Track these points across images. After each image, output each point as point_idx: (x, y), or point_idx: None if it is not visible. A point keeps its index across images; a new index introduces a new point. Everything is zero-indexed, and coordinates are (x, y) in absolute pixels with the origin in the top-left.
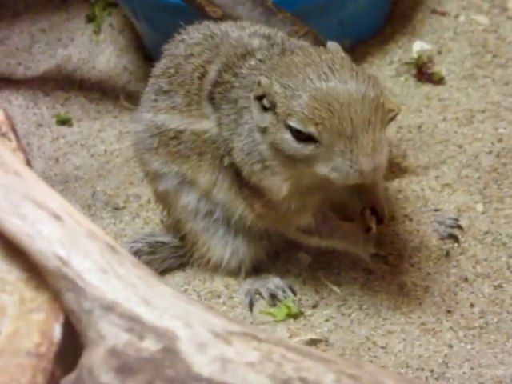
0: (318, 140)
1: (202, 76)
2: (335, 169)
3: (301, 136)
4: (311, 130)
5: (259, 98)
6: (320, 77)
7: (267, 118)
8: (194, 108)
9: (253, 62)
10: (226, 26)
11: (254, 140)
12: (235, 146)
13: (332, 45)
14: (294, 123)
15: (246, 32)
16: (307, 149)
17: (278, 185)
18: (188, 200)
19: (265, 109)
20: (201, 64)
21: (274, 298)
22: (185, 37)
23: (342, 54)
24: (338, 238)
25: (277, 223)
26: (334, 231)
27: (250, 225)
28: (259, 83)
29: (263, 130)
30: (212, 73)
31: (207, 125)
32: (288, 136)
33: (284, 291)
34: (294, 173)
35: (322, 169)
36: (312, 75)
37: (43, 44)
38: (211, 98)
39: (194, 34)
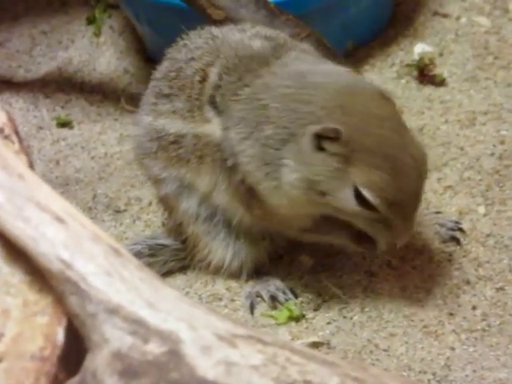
0: (379, 211)
1: (203, 80)
2: (375, 230)
3: (365, 202)
4: (382, 207)
5: (318, 136)
6: (397, 149)
7: (320, 160)
8: (196, 113)
9: (281, 70)
10: (227, 29)
11: (279, 158)
12: (247, 151)
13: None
14: (368, 195)
15: (247, 34)
16: (363, 211)
17: (286, 205)
18: (189, 204)
19: (320, 148)
20: (201, 67)
21: (274, 300)
22: (187, 42)
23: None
24: (332, 237)
25: (277, 226)
26: (329, 231)
27: (250, 227)
28: (336, 131)
29: (305, 164)
30: (213, 76)
31: (209, 129)
32: (349, 194)
33: (285, 293)
34: (313, 202)
35: (361, 225)
36: (389, 143)
37: (44, 46)
38: (213, 102)
39: (195, 39)
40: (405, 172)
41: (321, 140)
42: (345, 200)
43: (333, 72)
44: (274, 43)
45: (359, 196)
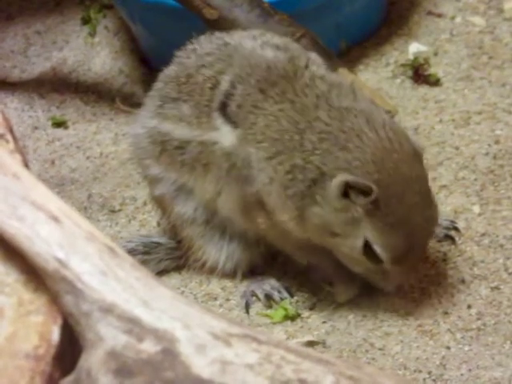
0: (383, 263)
1: (214, 87)
2: (372, 278)
3: (371, 254)
4: (387, 264)
5: (347, 184)
6: (417, 213)
7: (343, 205)
8: (204, 120)
9: (317, 103)
10: (238, 36)
11: (306, 193)
12: (269, 171)
13: (418, 144)
14: (377, 250)
15: (258, 42)
16: (366, 262)
17: (295, 231)
18: (185, 209)
19: (345, 195)
20: (212, 75)
21: (269, 298)
22: (196, 47)
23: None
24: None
25: (274, 240)
26: (323, 263)
27: (246, 231)
28: (369, 188)
29: (328, 205)
30: (224, 83)
31: (216, 136)
32: (358, 244)
33: (280, 292)
34: (322, 238)
35: (360, 271)
36: (411, 207)
37: (38, 47)
38: (223, 109)
39: (205, 45)
40: (415, 233)
41: (349, 188)
42: (352, 248)
43: (374, 118)
44: (289, 54)
45: (367, 248)
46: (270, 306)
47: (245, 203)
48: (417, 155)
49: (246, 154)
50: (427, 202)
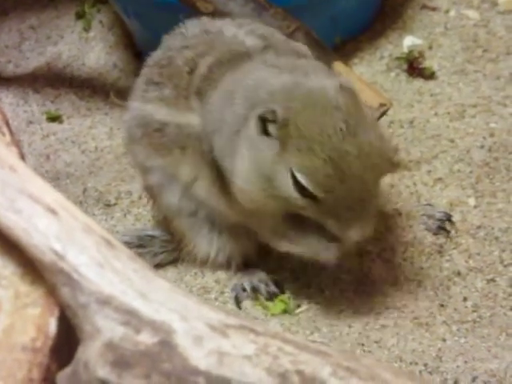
0: (319, 201)
1: (192, 71)
2: (326, 223)
3: (303, 190)
4: (318, 193)
5: (263, 119)
6: (338, 137)
7: (265, 144)
8: (182, 101)
9: (252, 67)
10: (223, 23)
11: (236, 147)
12: (217, 143)
13: (346, 82)
14: (302, 180)
15: (243, 30)
16: (304, 201)
17: (245, 199)
18: (171, 200)
19: (265, 132)
20: (192, 58)
21: (255, 291)
22: (183, 30)
23: (357, 97)
24: (303, 244)
25: (250, 223)
26: (298, 237)
27: (234, 222)
28: (273, 112)
29: (254, 149)
30: (202, 68)
31: (192, 119)
32: (288, 181)
33: (267, 285)
34: (269, 199)
35: (312, 216)
36: (330, 131)
37: (33, 41)
38: (199, 93)
39: (191, 29)
40: (344, 160)
41: (266, 124)
42: (285, 186)
43: (302, 65)
44: (266, 42)
45: (297, 183)
46: (256, 299)
47: (218, 188)
48: (344, 88)
49: (205, 134)
50: (352, 128)
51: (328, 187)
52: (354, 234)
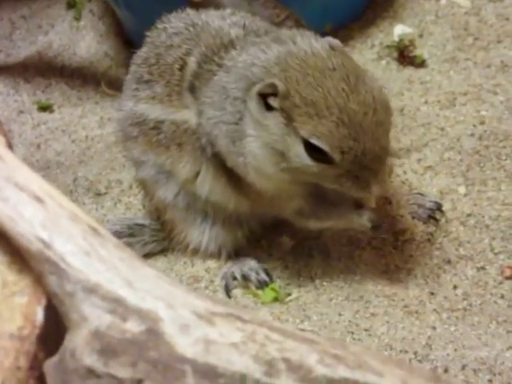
0: (336, 163)
1: (182, 68)
2: (345, 187)
3: (317, 155)
4: (337, 156)
5: (263, 95)
6: (343, 97)
7: (271, 119)
8: (175, 98)
9: (236, 52)
10: (207, 16)
11: (243, 131)
12: (219, 133)
13: (334, 42)
14: (320, 145)
15: (227, 22)
16: (320, 167)
17: (263, 182)
18: (166, 194)
19: (268, 107)
20: (180, 56)
21: (246, 279)
22: (166, 25)
23: (348, 55)
24: (334, 218)
25: (271, 209)
26: (328, 212)
27: (230, 214)
28: (273, 85)
29: (261, 127)
30: (192, 64)
31: (187, 115)
32: (301, 150)
33: (258, 273)
34: (285, 174)
35: (329, 183)
36: (333, 93)
37: (24, 31)
38: (192, 89)
39: (175, 23)
40: (355, 119)
41: (267, 99)
42: (298, 156)
43: (281, 34)
44: (246, 31)
45: (310, 150)
46: (246, 287)
47: (230, 181)
48: (333, 48)
49: (203, 128)
50: (359, 88)
51: (345, 148)
52: (375, 192)
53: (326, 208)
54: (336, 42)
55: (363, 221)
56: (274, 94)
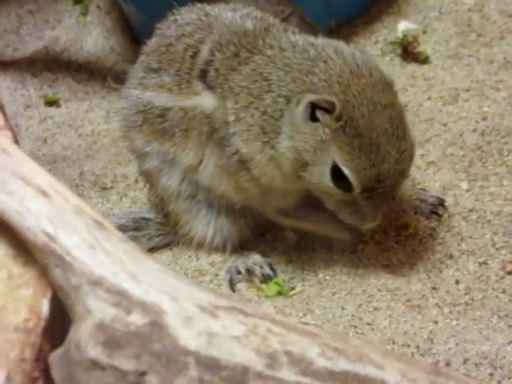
0: (351, 192)
1: (194, 55)
2: (343, 213)
3: (340, 182)
4: (357, 189)
5: (313, 104)
6: (385, 139)
7: (311, 129)
8: (184, 86)
9: (289, 45)
10: (219, 8)
11: (278, 127)
12: (246, 119)
13: (389, 77)
14: (347, 173)
15: (239, 14)
16: (336, 191)
17: (276, 176)
18: (169, 183)
19: (312, 116)
20: (193, 44)
21: (250, 273)
22: (177, 17)
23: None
24: (313, 222)
25: (255, 200)
26: (308, 216)
27: (232, 204)
28: (331, 104)
29: (298, 132)
30: (204, 52)
31: (198, 101)
32: (326, 169)
33: (262, 268)
34: (298, 179)
35: (331, 204)
36: (378, 132)
37: (31, 26)
38: (203, 76)
39: (186, 15)
40: (386, 162)
41: (315, 110)
42: (322, 174)
43: (342, 48)
44: (265, 23)
45: (335, 174)
46: (250, 281)
47: (228, 167)
48: (387, 83)
49: (223, 115)
50: (399, 132)
51: (368, 186)
52: (366, 227)
53: (309, 212)
54: (390, 76)
55: (342, 233)
56: (326, 109)
